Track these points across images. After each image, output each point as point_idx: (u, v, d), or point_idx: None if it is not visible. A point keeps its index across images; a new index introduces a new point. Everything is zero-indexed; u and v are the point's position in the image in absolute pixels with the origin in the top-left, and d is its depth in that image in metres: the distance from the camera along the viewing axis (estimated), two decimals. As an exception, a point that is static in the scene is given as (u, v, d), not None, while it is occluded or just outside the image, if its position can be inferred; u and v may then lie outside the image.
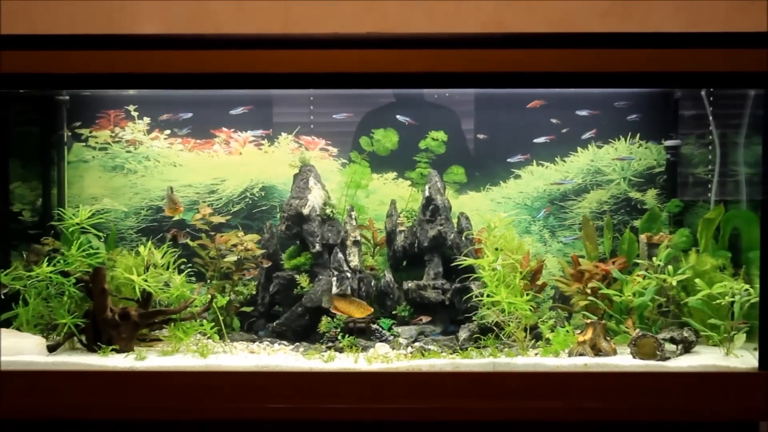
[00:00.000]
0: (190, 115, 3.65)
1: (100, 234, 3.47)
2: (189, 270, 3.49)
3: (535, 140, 3.64)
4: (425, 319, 3.39)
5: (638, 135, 3.64)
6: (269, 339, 3.43)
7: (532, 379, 3.03)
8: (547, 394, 3.00)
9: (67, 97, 3.63)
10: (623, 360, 3.14)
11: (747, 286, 3.17)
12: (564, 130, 3.65)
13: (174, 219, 3.63)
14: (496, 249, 3.36)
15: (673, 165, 3.62)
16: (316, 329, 3.39)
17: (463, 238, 3.52)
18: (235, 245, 3.52)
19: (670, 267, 3.31)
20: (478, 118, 3.67)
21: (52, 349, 3.21)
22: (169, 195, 3.53)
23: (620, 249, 3.53)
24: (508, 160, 3.67)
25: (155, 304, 3.33)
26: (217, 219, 3.61)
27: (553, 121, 3.63)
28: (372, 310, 3.35)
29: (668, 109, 3.60)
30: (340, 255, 3.47)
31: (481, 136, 3.69)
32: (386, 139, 3.61)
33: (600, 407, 2.99)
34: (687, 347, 3.23)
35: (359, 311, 3.32)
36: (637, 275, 3.36)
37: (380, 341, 3.33)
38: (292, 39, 3.17)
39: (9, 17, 3.65)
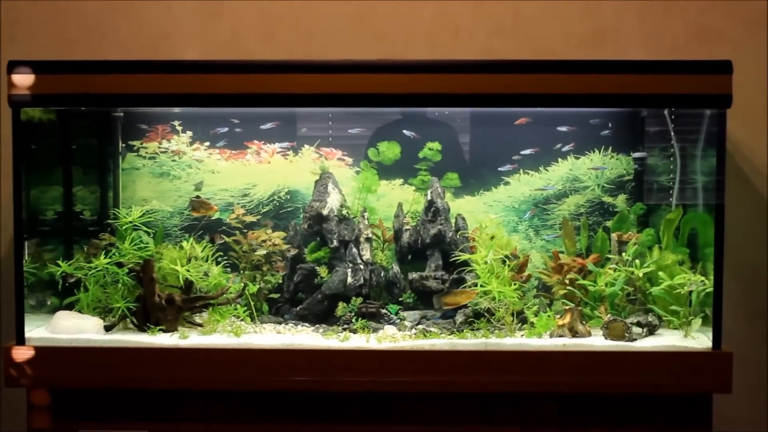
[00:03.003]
0: (226, 129, 3.63)
1: (150, 231, 3.46)
2: (225, 262, 3.49)
3: (522, 152, 3.61)
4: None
5: (610, 148, 3.62)
6: (293, 321, 3.42)
7: (519, 357, 3.05)
8: (531, 369, 3.03)
9: (122, 114, 3.62)
10: (596, 341, 3.14)
11: (703, 278, 3.17)
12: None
13: (212, 218, 3.62)
14: (492, 238, 3.35)
15: (640, 174, 3.60)
16: (334, 313, 3.39)
17: (459, 236, 3.50)
18: (264, 241, 3.50)
19: (637, 261, 3.30)
20: (473, 132, 3.66)
21: (108, 328, 3.22)
22: (200, 201, 3.53)
23: (594, 246, 3.51)
24: (499, 168, 3.64)
25: (196, 291, 3.33)
26: (249, 218, 3.60)
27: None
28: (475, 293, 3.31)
29: (636, 125, 3.57)
30: (354, 250, 3.47)
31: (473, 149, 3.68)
32: (389, 150, 3.58)
33: (576, 381, 3.02)
34: (651, 330, 3.23)
35: (465, 297, 3.31)
36: (609, 268, 3.35)
37: (389, 324, 3.33)
38: (313, 65, 3.18)
39: (72, 46, 3.73)
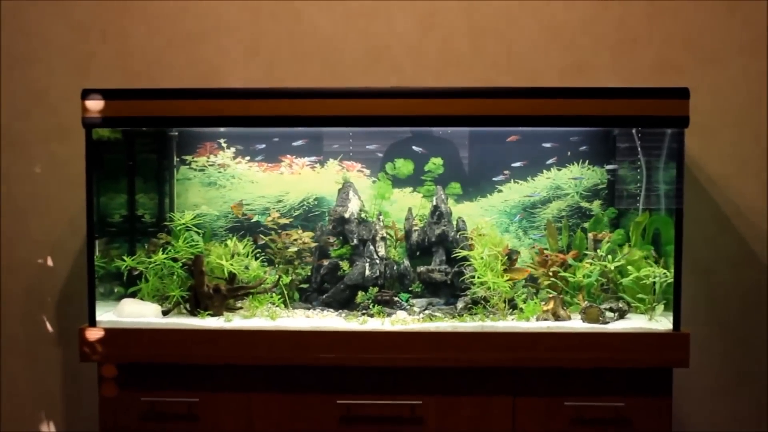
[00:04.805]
0: (264, 145, 3.66)
1: (200, 231, 3.48)
2: (262, 257, 3.52)
3: (513, 164, 3.64)
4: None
5: (587, 161, 3.63)
6: (320, 307, 3.44)
7: (510, 337, 3.08)
8: (520, 348, 3.07)
9: (176, 133, 3.65)
10: (575, 324, 3.18)
11: (665, 271, 3.22)
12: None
13: (252, 220, 3.66)
14: (483, 235, 3.38)
15: (612, 183, 3.61)
16: (354, 300, 3.43)
17: (460, 236, 3.53)
18: (295, 240, 3.54)
19: (609, 256, 3.34)
20: (471, 148, 3.66)
21: (165, 313, 3.28)
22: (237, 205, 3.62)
23: (574, 244, 3.54)
24: (493, 178, 3.66)
25: (238, 282, 3.36)
26: (283, 221, 3.64)
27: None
28: (529, 271, 3.35)
29: (608, 142, 3.59)
30: (371, 247, 3.50)
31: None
32: (404, 167, 3.61)
33: (558, 357, 3.06)
34: (621, 315, 3.25)
35: (521, 274, 3.32)
36: (586, 262, 3.38)
37: (400, 309, 3.36)
38: (337, 91, 3.20)
39: (137, 77, 3.79)
